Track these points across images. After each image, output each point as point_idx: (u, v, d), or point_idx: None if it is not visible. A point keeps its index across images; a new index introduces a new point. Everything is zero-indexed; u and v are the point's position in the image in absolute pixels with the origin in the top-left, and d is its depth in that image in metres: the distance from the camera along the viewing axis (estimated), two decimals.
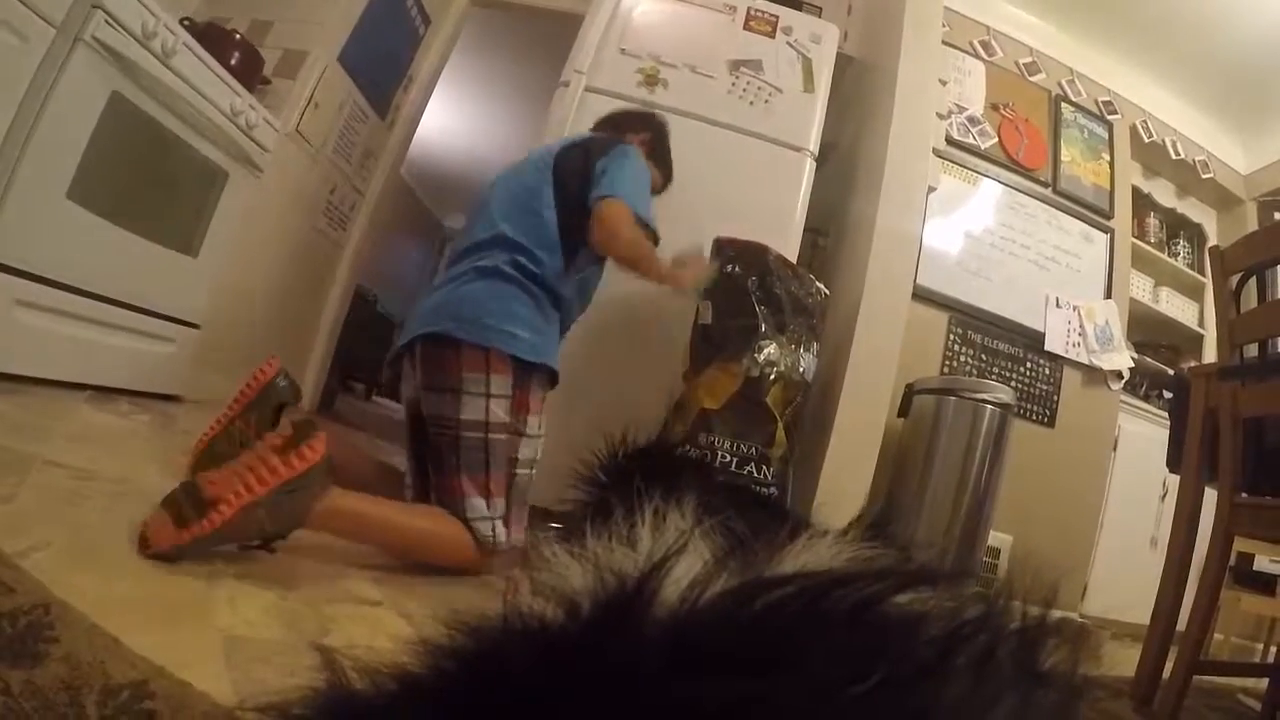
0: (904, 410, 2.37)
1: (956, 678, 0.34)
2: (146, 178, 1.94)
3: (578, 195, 1.51)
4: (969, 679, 0.35)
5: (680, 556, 0.42)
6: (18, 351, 1.67)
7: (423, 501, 1.38)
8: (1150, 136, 3.46)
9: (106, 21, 1.65)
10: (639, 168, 1.60)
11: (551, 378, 1.51)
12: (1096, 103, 3.36)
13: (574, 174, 1.53)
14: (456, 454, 1.32)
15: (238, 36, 2.38)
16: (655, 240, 1.57)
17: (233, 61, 2.24)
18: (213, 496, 0.93)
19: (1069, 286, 3.03)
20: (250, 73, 2.36)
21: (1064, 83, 3.33)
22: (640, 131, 1.78)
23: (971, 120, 3.07)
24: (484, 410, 1.33)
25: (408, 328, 1.46)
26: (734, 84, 2.31)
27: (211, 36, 2.21)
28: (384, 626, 0.92)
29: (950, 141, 2.99)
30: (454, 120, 5.63)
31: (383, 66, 3.15)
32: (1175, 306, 3.58)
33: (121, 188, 1.86)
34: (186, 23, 2.15)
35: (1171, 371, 3.28)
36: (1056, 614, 0.45)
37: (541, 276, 1.46)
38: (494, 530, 1.31)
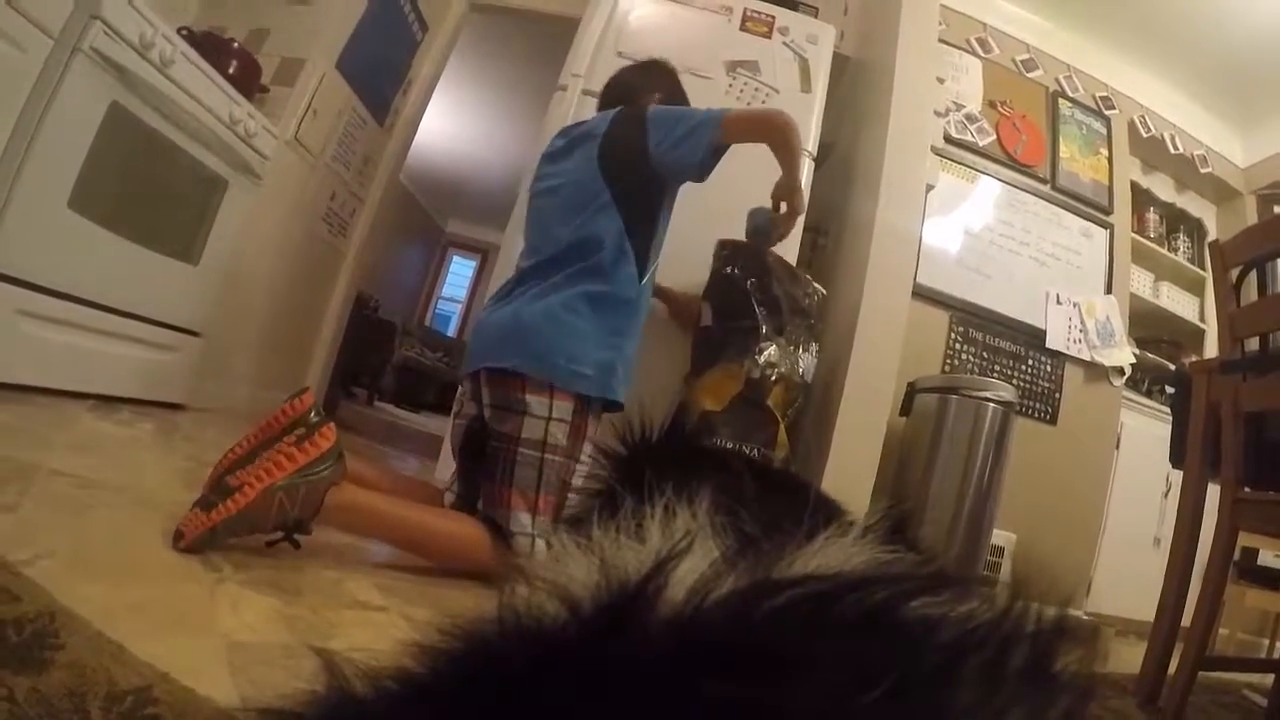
0: (906, 409, 2.37)
1: (968, 684, 0.34)
2: (146, 187, 1.95)
3: (640, 177, 1.46)
4: (980, 685, 0.35)
5: (687, 555, 0.41)
6: (20, 361, 1.67)
7: (463, 513, 1.39)
8: (1149, 131, 3.46)
9: (105, 32, 1.66)
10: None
11: (610, 406, 1.47)
12: (1094, 98, 3.36)
13: (629, 153, 1.47)
14: (512, 468, 1.33)
15: (235, 45, 2.39)
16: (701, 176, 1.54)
17: (231, 70, 2.25)
18: (237, 484, 1.02)
19: (1069, 283, 3.03)
20: (248, 81, 2.37)
21: (1061, 79, 3.33)
22: (654, 90, 1.71)
23: (969, 118, 3.07)
24: (543, 431, 1.34)
25: (473, 352, 1.45)
26: (731, 85, 2.31)
27: (209, 45, 2.22)
28: (388, 631, 0.92)
29: (948, 139, 3.00)
30: (453, 125, 5.64)
31: (381, 72, 3.16)
32: (1176, 301, 3.57)
33: (122, 197, 1.87)
34: (184, 32, 2.16)
35: (1173, 367, 3.27)
36: (1068, 615, 0.45)
37: (612, 295, 1.42)
38: (534, 546, 1.30)
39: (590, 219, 1.44)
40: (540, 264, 1.47)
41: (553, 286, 1.41)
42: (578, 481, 1.36)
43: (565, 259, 1.43)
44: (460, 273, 8.70)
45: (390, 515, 1.22)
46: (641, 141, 1.47)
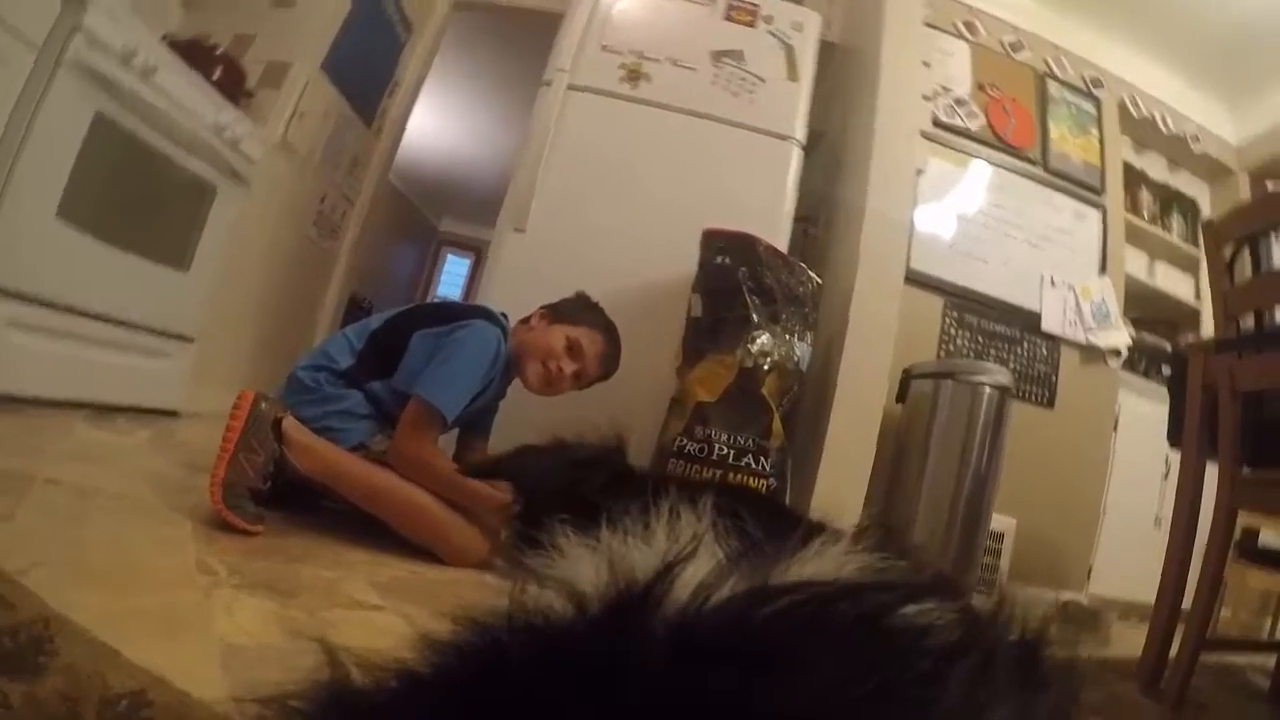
0: (901, 395, 2.37)
1: (954, 685, 0.35)
2: (135, 195, 1.94)
3: (398, 340, 1.52)
4: (966, 687, 0.35)
5: (692, 559, 0.42)
6: (13, 372, 1.67)
7: None
8: (1139, 111, 3.45)
9: (88, 43, 1.64)
10: (469, 351, 1.48)
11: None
12: (1083, 79, 3.35)
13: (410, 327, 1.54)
14: None
15: (219, 51, 2.38)
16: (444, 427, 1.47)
17: (215, 76, 2.24)
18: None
19: (1064, 265, 3.02)
20: (234, 87, 2.36)
21: (1049, 60, 3.31)
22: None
23: (958, 101, 3.06)
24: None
25: None
26: (717, 75, 2.30)
27: (193, 53, 2.21)
28: (385, 630, 0.92)
29: (938, 124, 2.97)
30: (441, 123, 5.62)
31: (367, 74, 3.15)
32: (1171, 281, 3.56)
33: (110, 206, 1.87)
34: (168, 40, 2.14)
35: (1170, 347, 3.27)
36: (1056, 615, 0.46)
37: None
38: None
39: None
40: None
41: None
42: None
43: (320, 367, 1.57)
44: (455, 270, 8.70)
45: (350, 462, 1.35)
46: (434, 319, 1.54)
